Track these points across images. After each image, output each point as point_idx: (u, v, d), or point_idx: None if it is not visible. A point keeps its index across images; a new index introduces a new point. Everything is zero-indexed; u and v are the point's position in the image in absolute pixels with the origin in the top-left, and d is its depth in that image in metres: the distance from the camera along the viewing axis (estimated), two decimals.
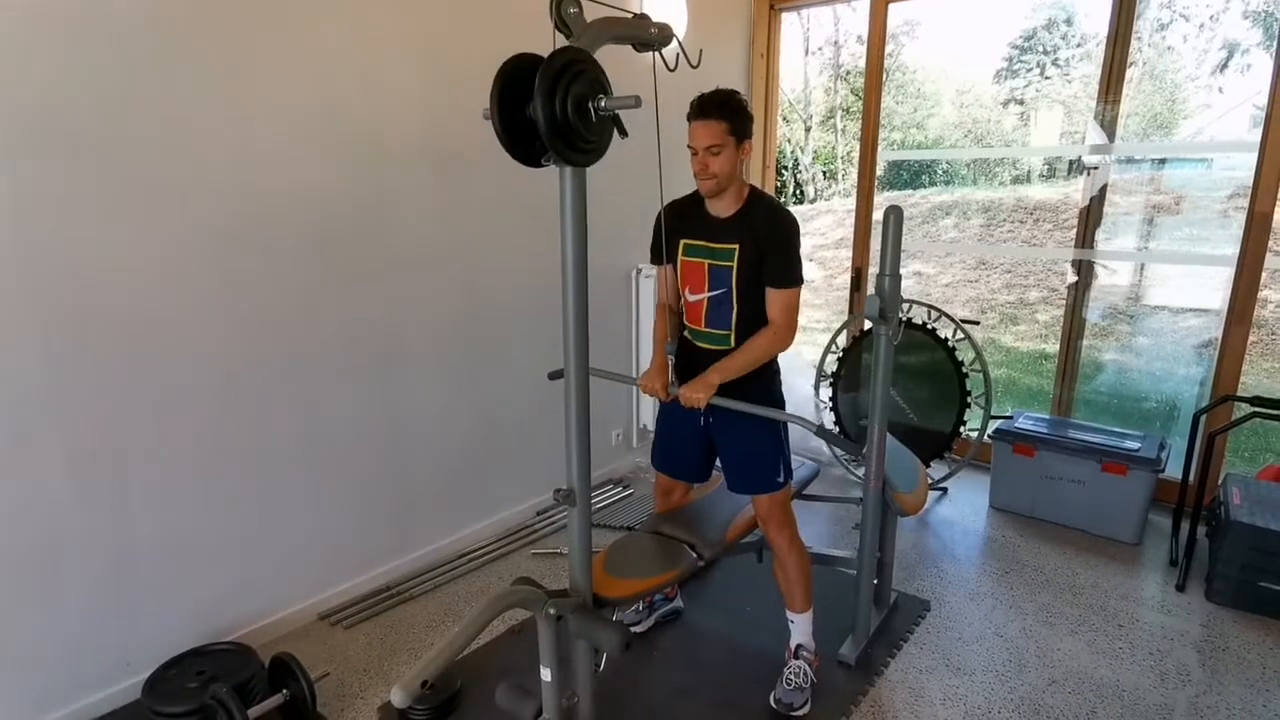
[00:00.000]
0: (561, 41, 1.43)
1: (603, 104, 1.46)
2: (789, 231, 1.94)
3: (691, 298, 2.04)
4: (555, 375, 1.97)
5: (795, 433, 2.06)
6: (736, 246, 1.94)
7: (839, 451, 3.72)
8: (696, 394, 1.91)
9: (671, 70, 1.71)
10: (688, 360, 2.12)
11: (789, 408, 2.17)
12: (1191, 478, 2.92)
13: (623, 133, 1.55)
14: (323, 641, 2.41)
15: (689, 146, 1.88)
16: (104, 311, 1.94)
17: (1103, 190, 3.46)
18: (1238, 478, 2.86)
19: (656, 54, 1.65)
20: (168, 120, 1.98)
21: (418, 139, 2.56)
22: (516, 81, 1.43)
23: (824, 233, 9.03)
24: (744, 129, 1.88)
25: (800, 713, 2.07)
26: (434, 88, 2.57)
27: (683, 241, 2.02)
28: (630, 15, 1.63)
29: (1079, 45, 7.51)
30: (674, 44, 1.70)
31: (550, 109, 1.38)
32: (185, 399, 2.12)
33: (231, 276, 2.17)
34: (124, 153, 1.92)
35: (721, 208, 1.96)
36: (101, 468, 1.99)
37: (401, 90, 2.49)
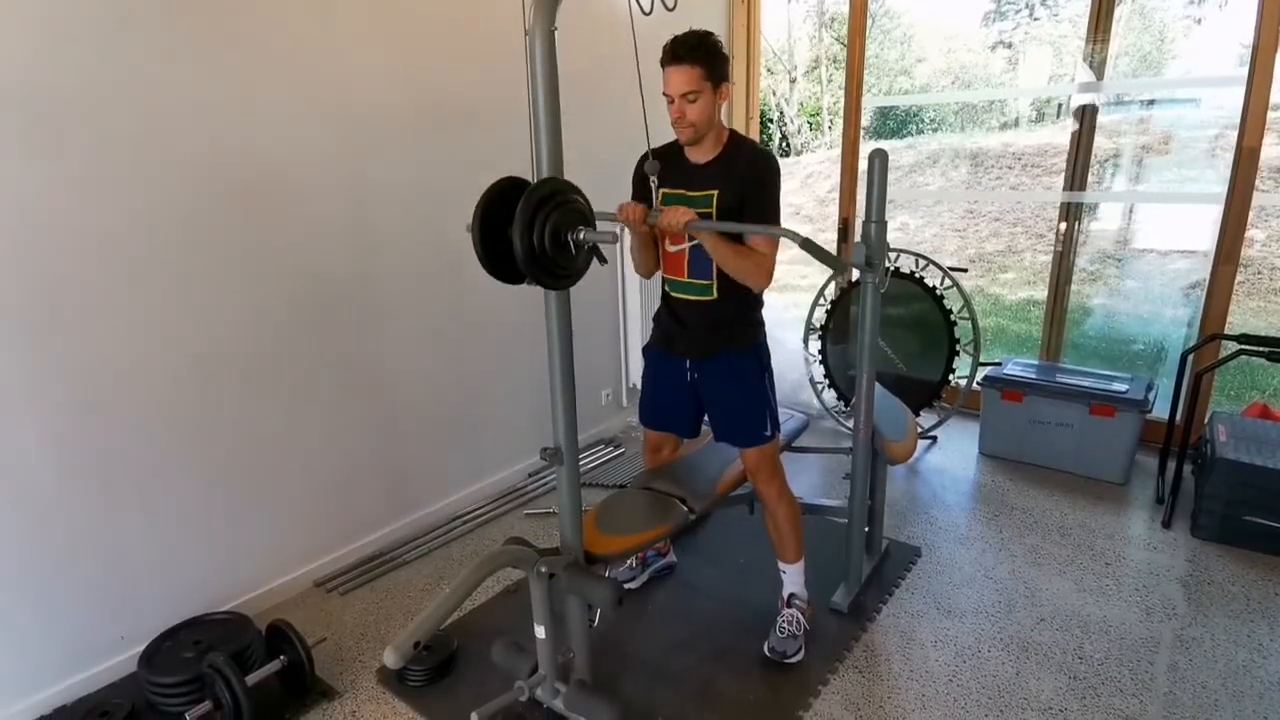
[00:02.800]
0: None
1: (581, 236, 1.50)
2: (769, 173, 1.88)
3: (672, 249, 2.00)
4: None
5: (784, 386, 2.05)
6: (715, 192, 1.89)
7: (829, 403, 3.73)
8: (676, 214, 1.73)
9: (646, 14, 1.65)
10: (670, 317, 2.09)
11: (777, 361, 2.16)
12: (1178, 417, 2.94)
13: (601, 260, 1.58)
14: (318, 608, 2.42)
15: (664, 94, 1.82)
16: (83, 288, 1.90)
17: (1092, 132, 3.41)
18: (1224, 415, 2.88)
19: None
20: (144, 87, 1.90)
21: (393, 101, 2.48)
22: (500, 204, 1.48)
23: (811, 187, 8.93)
24: (720, 72, 1.82)
25: (794, 660, 2.10)
26: (407, 45, 2.48)
27: (661, 190, 1.97)
28: None
29: None
30: None
31: (528, 241, 1.43)
32: (171, 371, 2.09)
33: (212, 249, 2.12)
34: (94, 131, 1.85)
35: (701, 154, 1.91)
36: (88, 441, 1.96)
37: (374, 50, 2.40)
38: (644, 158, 1.94)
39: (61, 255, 1.86)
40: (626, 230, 2.00)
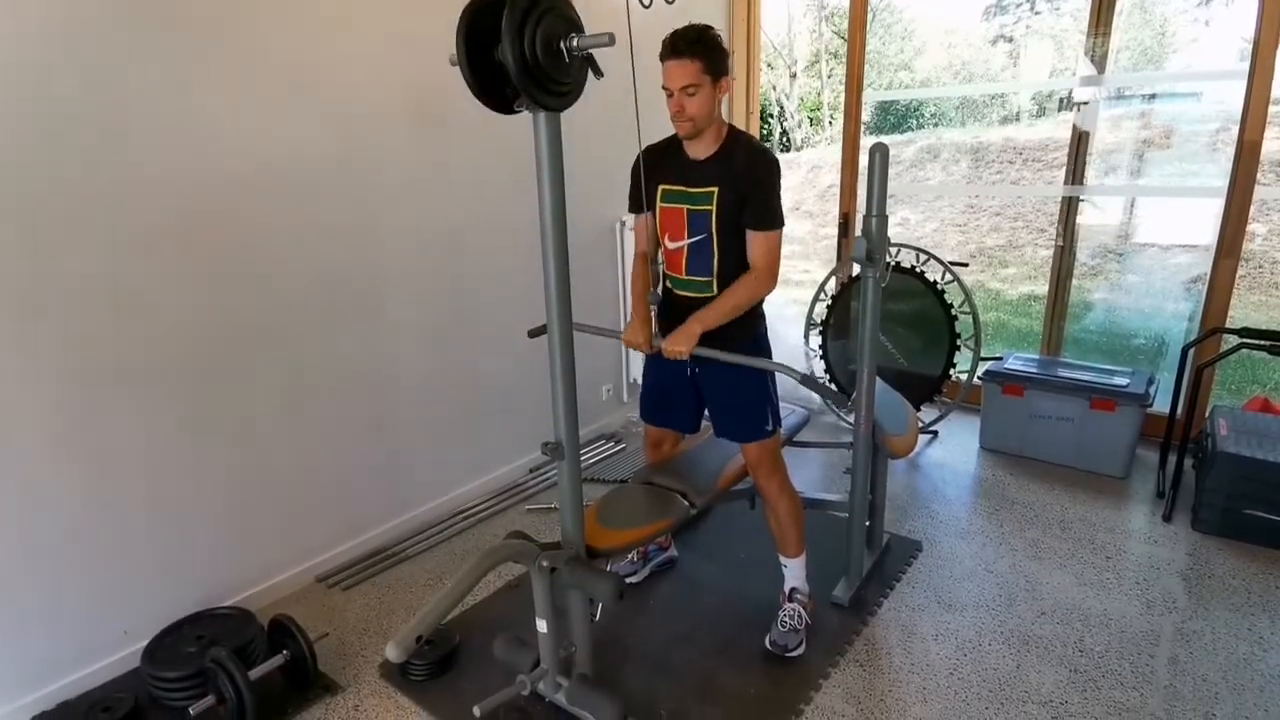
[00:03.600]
0: None
1: (575, 43, 1.39)
2: (770, 171, 1.88)
3: (671, 245, 2.00)
4: (536, 333, 1.95)
5: (785, 381, 2.05)
6: (715, 189, 1.88)
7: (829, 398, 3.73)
8: (678, 346, 1.88)
9: (646, 6, 1.65)
10: (671, 310, 2.09)
11: (778, 356, 2.16)
12: (1179, 411, 2.94)
13: (598, 73, 1.48)
14: (321, 604, 2.43)
15: (664, 87, 1.82)
16: (82, 279, 1.89)
17: (1094, 126, 3.40)
18: (1224, 409, 2.88)
19: None
20: (141, 75, 1.90)
21: (393, 95, 2.48)
22: (483, 22, 1.36)
23: (812, 181, 8.92)
24: (720, 66, 1.81)
25: (795, 654, 2.11)
26: (408, 40, 2.48)
27: (660, 187, 1.97)
28: None
29: None
30: None
31: (519, 50, 1.32)
32: (172, 367, 2.09)
33: (213, 247, 2.12)
34: (93, 117, 1.85)
35: (700, 149, 1.91)
36: (90, 438, 1.96)
37: (376, 44, 2.40)
38: (640, 156, 1.94)
39: (63, 250, 1.86)
40: (634, 228, 2.00)
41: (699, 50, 1.77)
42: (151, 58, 1.94)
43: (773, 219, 1.89)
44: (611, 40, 1.38)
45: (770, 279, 1.93)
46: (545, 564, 1.70)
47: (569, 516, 1.79)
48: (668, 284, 2.09)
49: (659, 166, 1.96)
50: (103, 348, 1.96)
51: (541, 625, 1.74)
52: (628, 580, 2.44)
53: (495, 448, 3.11)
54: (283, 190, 2.26)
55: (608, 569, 2.10)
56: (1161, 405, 3.08)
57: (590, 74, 1.47)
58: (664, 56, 1.80)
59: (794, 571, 2.22)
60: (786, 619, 2.16)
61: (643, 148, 1.95)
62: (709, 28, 1.80)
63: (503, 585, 2.48)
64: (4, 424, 1.82)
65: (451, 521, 2.87)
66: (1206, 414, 3.02)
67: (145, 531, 2.10)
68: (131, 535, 2.08)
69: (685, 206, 1.94)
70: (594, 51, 1.41)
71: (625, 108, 1.65)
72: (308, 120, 2.29)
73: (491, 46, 1.36)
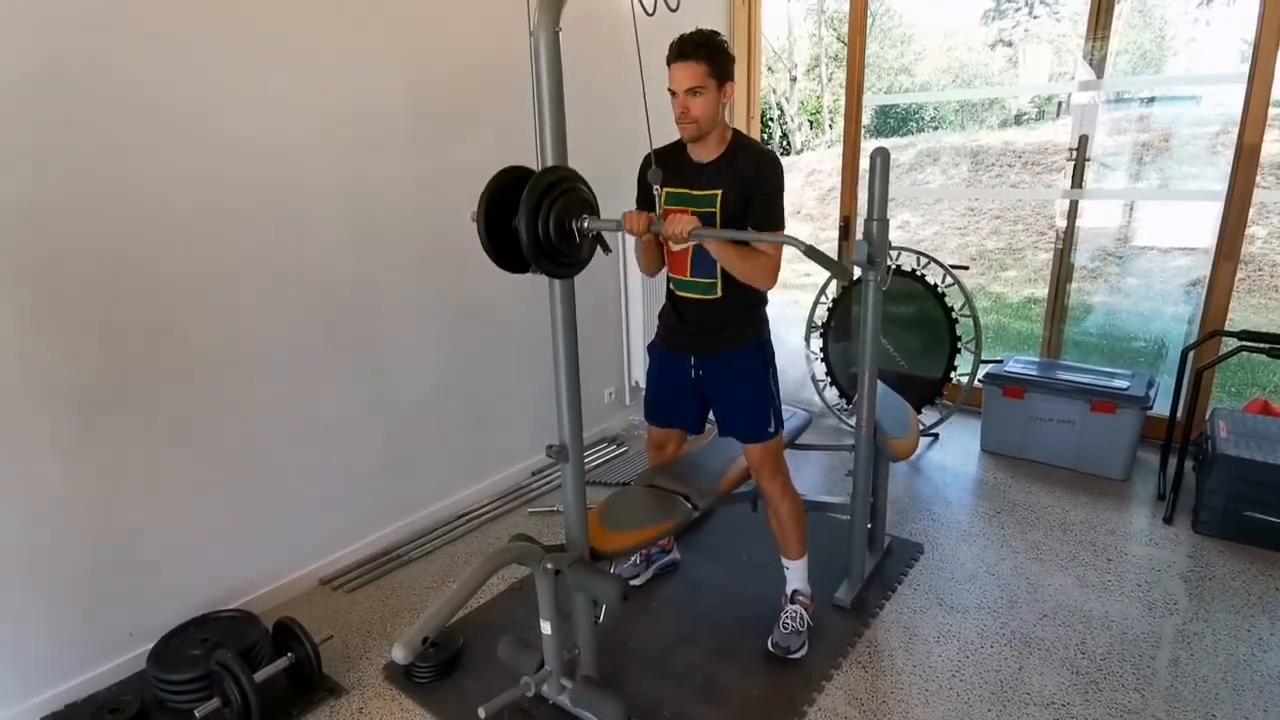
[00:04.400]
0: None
1: (585, 224, 1.50)
2: (773, 175, 1.90)
3: (676, 247, 2.01)
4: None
5: (787, 384, 2.06)
6: (719, 192, 1.90)
7: (831, 400, 3.74)
8: (680, 222, 1.66)
9: (649, 14, 1.66)
10: (675, 313, 2.10)
11: (780, 359, 2.17)
12: (1179, 413, 2.95)
13: (605, 249, 1.59)
14: (325, 606, 2.43)
15: (669, 90, 1.84)
16: (83, 276, 1.91)
17: (1092, 129, 3.42)
18: (1224, 412, 2.89)
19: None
20: (145, 90, 1.92)
21: (396, 98, 2.50)
22: (505, 194, 1.47)
23: (813, 184, 8.94)
24: (725, 70, 1.83)
25: (798, 655, 2.12)
26: (412, 44, 2.50)
27: (665, 190, 1.98)
28: None
29: None
30: None
31: (533, 229, 1.43)
32: (178, 370, 2.10)
33: (220, 248, 2.14)
34: (109, 121, 1.87)
35: (704, 153, 1.93)
36: (97, 439, 1.98)
37: (378, 49, 2.42)
38: (647, 160, 1.95)
39: (63, 250, 1.88)
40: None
41: (705, 53, 1.79)
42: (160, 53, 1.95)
43: (776, 221, 1.91)
44: (619, 226, 1.54)
45: (772, 274, 1.92)
46: (550, 566, 1.71)
47: (573, 519, 1.80)
48: (670, 286, 2.10)
49: (664, 169, 1.97)
50: (107, 349, 1.97)
51: (546, 627, 1.75)
52: (631, 582, 2.45)
53: (498, 450, 3.12)
54: (285, 191, 2.28)
55: (611, 571, 2.11)
56: (1162, 408, 3.09)
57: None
58: (670, 59, 1.82)
59: (796, 573, 2.23)
60: (789, 620, 2.16)
61: (651, 151, 1.96)
62: (715, 33, 1.83)
63: (506, 588, 2.49)
64: (9, 426, 1.83)
65: (455, 524, 2.88)
66: (1207, 416, 3.02)
67: (151, 533, 2.11)
68: (136, 538, 2.09)
69: (690, 209, 1.95)
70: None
71: (631, 112, 1.67)
72: (313, 123, 2.30)
73: (510, 213, 1.46)
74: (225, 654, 1.85)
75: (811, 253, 1.65)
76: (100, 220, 1.92)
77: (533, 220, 1.42)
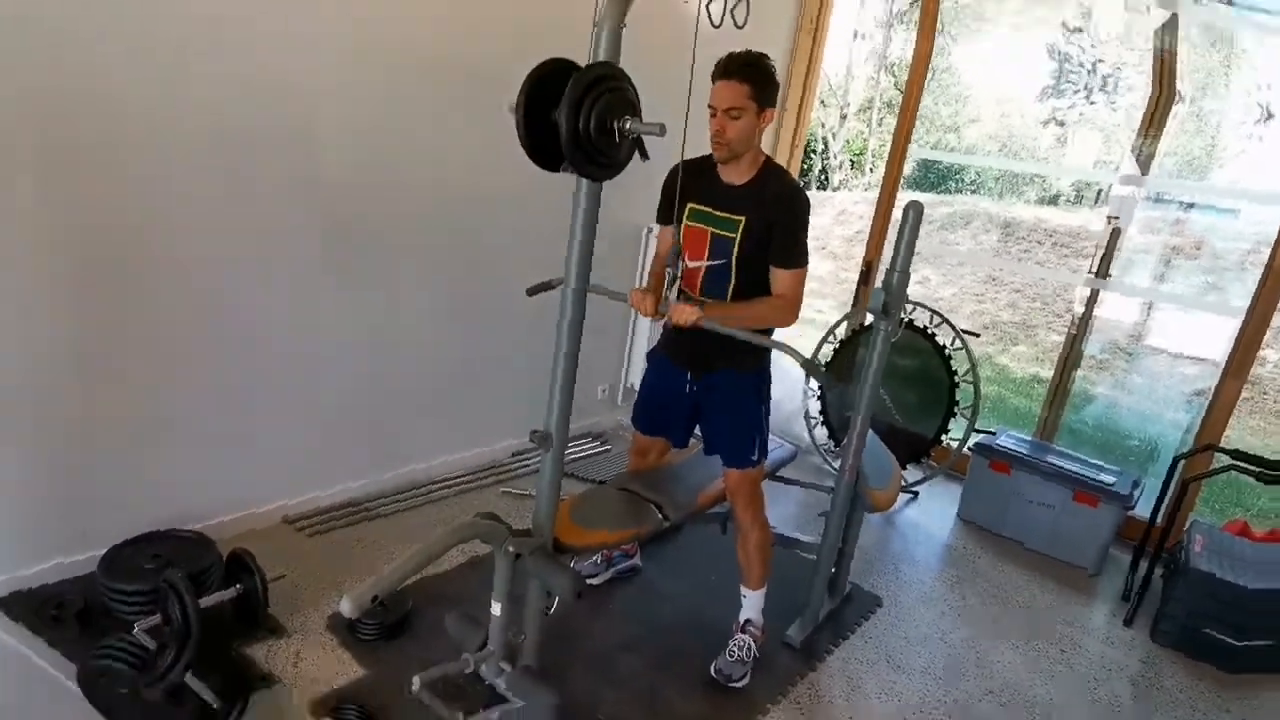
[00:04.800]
0: None
1: (628, 125, 1.44)
2: (799, 210, 1.90)
3: (690, 264, 2.00)
4: (534, 290, 1.96)
5: (779, 415, 2.06)
6: (743, 219, 1.89)
7: (819, 440, 3.74)
8: (685, 312, 1.81)
9: (716, 26, 1.66)
10: (679, 329, 2.09)
11: (778, 389, 2.17)
12: (1159, 519, 2.94)
13: (644, 155, 1.54)
14: (284, 544, 2.43)
15: (709, 106, 1.83)
16: (88, 210, 1.90)
17: (1127, 223, 3.42)
18: (1203, 526, 2.89)
19: (702, 6, 1.60)
20: (151, 38, 1.92)
21: (429, 56, 2.45)
22: (547, 85, 1.41)
23: (843, 224, 8.94)
24: (768, 95, 1.83)
25: (738, 685, 2.11)
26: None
27: (689, 205, 1.97)
28: None
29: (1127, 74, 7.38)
30: None
31: (574, 122, 1.38)
32: (168, 288, 2.09)
33: (218, 185, 2.12)
34: (119, 67, 1.86)
35: (734, 175, 1.92)
36: (72, 337, 1.96)
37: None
38: (674, 170, 1.95)
39: (67, 183, 1.87)
40: (655, 237, 2.00)
41: (750, 74, 1.79)
42: None
43: (799, 257, 1.91)
44: (663, 131, 1.43)
45: (792, 312, 1.94)
46: (511, 549, 1.70)
47: (543, 507, 1.79)
48: (682, 299, 2.10)
49: (691, 184, 1.96)
50: (81, 253, 1.95)
51: (496, 608, 1.75)
52: (588, 580, 2.44)
53: (483, 424, 3.12)
54: (298, 128, 2.23)
55: (571, 565, 2.11)
56: (1143, 509, 3.09)
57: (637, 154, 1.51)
58: (715, 76, 1.82)
59: (752, 603, 2.22)
60: (736, 649, 2.16)
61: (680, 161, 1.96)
62: (764, 55, 1.82)
63: (466, 560, 2.48)
64: None
65: (429, 488, 2.88)
66: (1185, 527, 3.02)
67: (116, 438, 2.10)
68: (104, 438, 2.08)
69: (710, 229, 1.95)
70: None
71: (666, 120, 1.66)
72: (336, 58, 2.25)
73: (549, 107, 1.40)
74: (175, 573, 1.84)
75: (808, 365, 1.85)
76: (102, 115, 1.89)
77: (574, 114, 1.36)
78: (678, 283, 1.99)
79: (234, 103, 2.08)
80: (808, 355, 3.79)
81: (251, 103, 2.11)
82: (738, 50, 1.81)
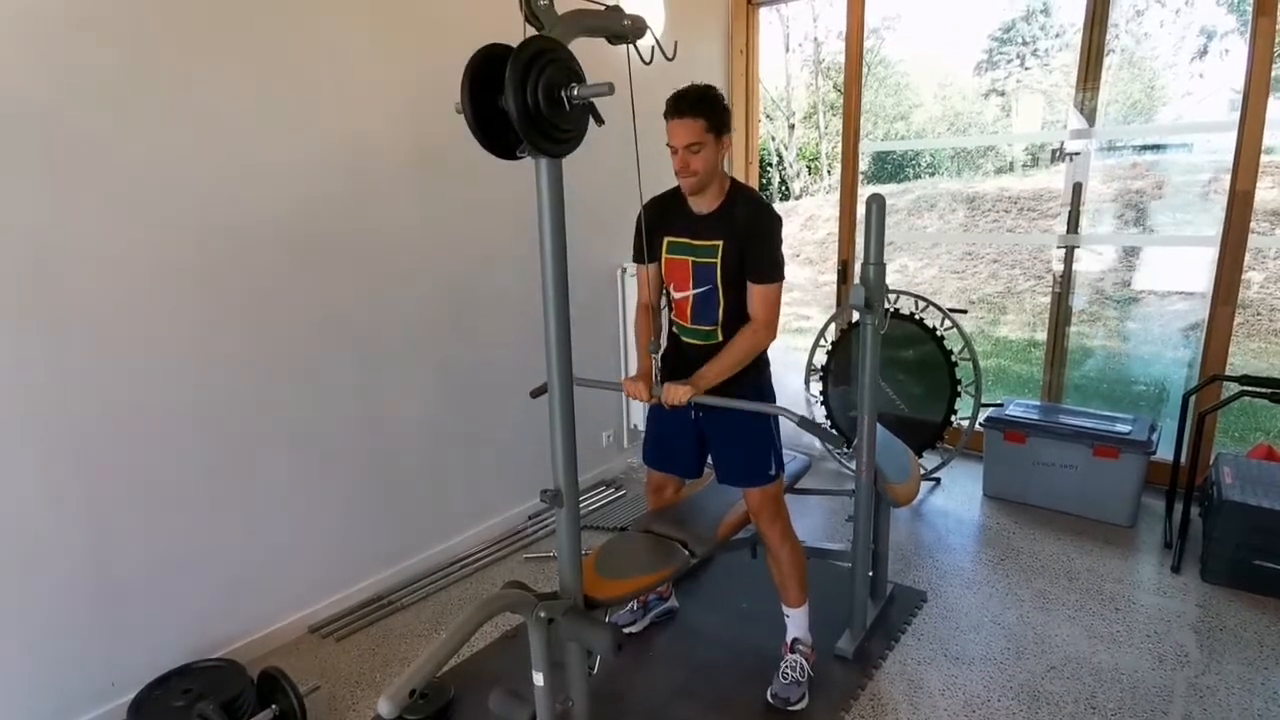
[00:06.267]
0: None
1: (575, 92, 1.43)
2: (771, 226, 1.92)
3: (677, 295, 2.03)
4: (538, 392, 1.96)
5: (787, 426, 2.04)
6: (720, 243, 1.92)
7: (830, 444, 3.71)
8: (677, 394, 1.89)
9: (646, 64, 1.69)
10: (677, 355, 2.10)
11: (780, 402, 2.15)
12: (1183, 459, 2.92)
13: (599, 120, 1.52)
14: (313, 654, 2.37)
15: (669, 144, 1.86)
16: (81, 313, 1.91)
17: (1086, 176, 3.46)
18: (1229, 457, 2.86)
19: (631, 47, 1.63)
20: (143, 121, 1.95)
21: (396, 140, 2.53)
22: (487, 72, 1.41)
23: (812, 229, 9.03)
24: (722, 124, 1.86)
25: (798, 707, 2.05)
26: (411, 87, 2.54)
27: (666, 239, 2.00)
28: (603, 7, 1.61)
29: (1057, 35, 7.57)
30: (649, 36, 1.68)
31: (522, 99, 1.36)
32: (166, 409, 2.08)
33: (212, 283, 2.14)
34: (107, 153, 1.89)
35: (703, 204, 1.94)
36: (77, 479, 1.95)
37: (379, 91, 2.46)
38: (644, 208, 1.97)
39: (69, 284, 1.88)
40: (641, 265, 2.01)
41: (702, 109, 1.82)
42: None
43: (773, 271, 1.92)
44: (611, 89, 1.42)
45: (769, 331, 1.95)
46: (542, 615, 1.66)
47: (567, 566, 1.76)
48: (674, 330, 2.11)
49: (664, 219, 1.99)
50: (97, 394, 1.96)
51: (538, 678, 1.70)
52: (626, 630, 2.39)
53: (494, 494, 3.09)
54: (286, 228, 2.28)
55: (606, 619, 2.06)
56: (1165, 452, 3.06)
57: (591, 122, 1.51)
58: (668, 115, 1.85)
59: (796, 621, 2.17)
60: (789, 670, 2.11)
61: (645, 199, 1.98)
62: (711, 87, 1.86)
63: (500, 636, 2.43)
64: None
65: (449, 570, 2.83)
66: (1211, 461, 2.99)
67: (134, 579, 2.07)
68: (120, 583, 2.05)
69: (690, 259, 1.97)
70: (596, 100, 1.45)
71: (627, 157, 1.68)
72: (315, 162, 2.33)
73: (496, 95, 1.41)
74: (207, 705, 1.80)
75: (805, 424, 1.90)
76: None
77: (520, 90, 1.35)
78: (664, 331, 2.02)
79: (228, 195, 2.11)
80: (804, 361, 3.79)
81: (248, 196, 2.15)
82: (684, 86, 1.85)
